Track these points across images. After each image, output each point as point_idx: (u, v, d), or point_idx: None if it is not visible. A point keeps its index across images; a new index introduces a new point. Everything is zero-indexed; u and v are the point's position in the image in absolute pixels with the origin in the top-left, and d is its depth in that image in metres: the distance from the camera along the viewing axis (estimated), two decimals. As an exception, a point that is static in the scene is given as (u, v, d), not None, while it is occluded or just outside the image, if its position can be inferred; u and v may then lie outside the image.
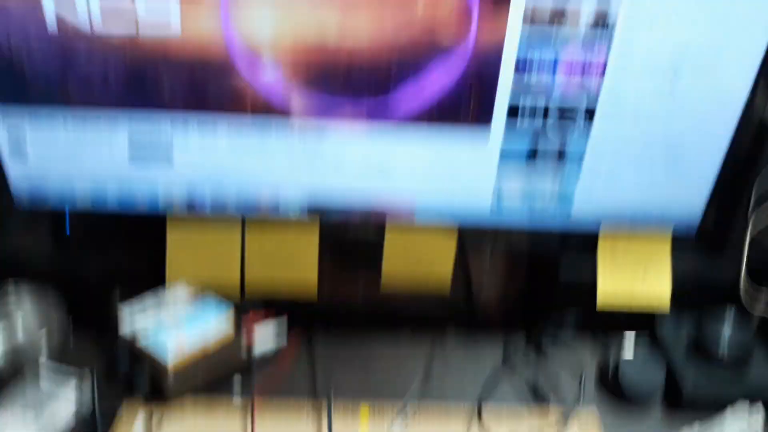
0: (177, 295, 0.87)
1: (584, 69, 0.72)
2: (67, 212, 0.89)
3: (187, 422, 0.77)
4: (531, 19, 0.68)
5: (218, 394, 0.81)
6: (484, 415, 0.80)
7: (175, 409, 0.78)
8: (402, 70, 0.72)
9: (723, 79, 0.72)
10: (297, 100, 0.74)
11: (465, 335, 0.95)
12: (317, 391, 0.83)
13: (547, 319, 0.94)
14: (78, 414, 0.74)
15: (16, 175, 0.79)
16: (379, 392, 0.83)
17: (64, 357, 0.83)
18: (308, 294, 0.91)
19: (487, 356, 0.91)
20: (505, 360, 0.90)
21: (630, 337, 0.89)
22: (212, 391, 0.80)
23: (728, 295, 0.91)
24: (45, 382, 0.74)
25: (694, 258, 0.92)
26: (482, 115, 0.75)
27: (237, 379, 0.83)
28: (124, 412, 0.76)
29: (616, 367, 0.84)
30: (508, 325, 0.96)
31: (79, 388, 0.75)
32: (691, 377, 0.81)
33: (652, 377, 0.83)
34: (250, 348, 0.83)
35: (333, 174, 0.80)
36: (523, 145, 0.77)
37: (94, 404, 0.75)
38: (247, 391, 0.81)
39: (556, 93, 0.73)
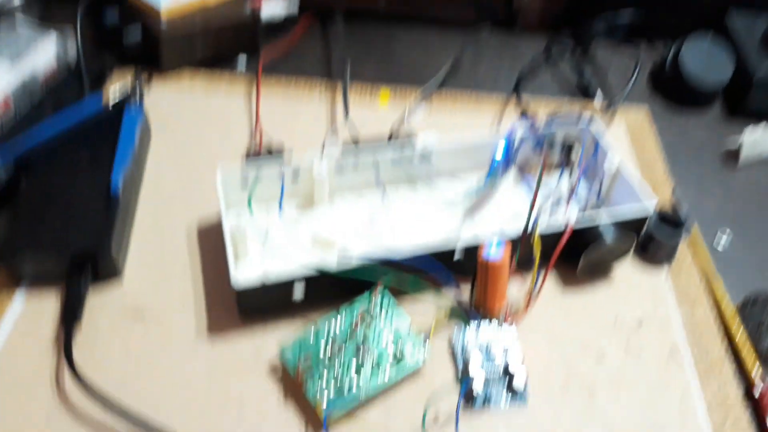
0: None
1: None
2: None
3: (183, 89, 0.68)
4: None
5: (219, 68, 0.72)
6: (521, 100, 0.71)
7: (171, 75, 0.69)
8: None
9: None
10: None
11: (503, 31, 0.83)
12: (332, 73, 0.73)
13: (600, 16, 0.80)
14: (61, 67, 0.66)
15: None
16: (401, 79, 0.73)
17: (44, 15, 0.73)
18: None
19: (527, 51, 0.79)
20: (547, 56, 0.78)
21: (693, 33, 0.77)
22: (213, 65, 0.71)
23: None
24: (23, 35, 0.65)
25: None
26: None
27: (241, 57, 0.74)
28: (114, 75, 0.68)
29: (676, 63, 0.73)
30: (553, 22, 0.84)
31: (62, 42, 0.66)
32: (763, 71, 0.70)
33: (717, 73, 0.72)
34: (256, 14, 0.72)
35: None
36: None
37: (79, 60, 0.66)
38: (252, 64, 0.72)
39: None
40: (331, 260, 0.47)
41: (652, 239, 0.54)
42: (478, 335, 0.48)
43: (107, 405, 0.43)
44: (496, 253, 0.46)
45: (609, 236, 0.50)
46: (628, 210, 0.52)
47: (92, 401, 0.44)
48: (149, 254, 0.54)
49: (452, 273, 0.48)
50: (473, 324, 0.49)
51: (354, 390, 0.44)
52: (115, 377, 0.46)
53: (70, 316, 0.48)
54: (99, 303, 0.50)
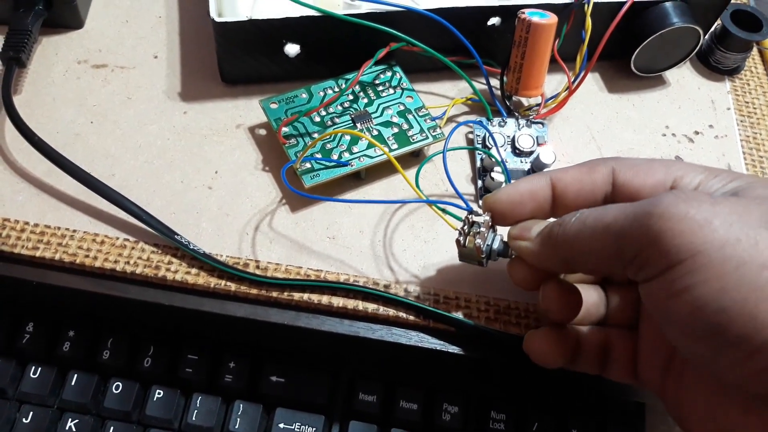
0: None
1: None
2: None
3: None
4: None
5: None
6: None
7: None
8: None
9: None
10: None
11: None
12: None
13: None
14: None
15: None
16: None
17: None
18: None
19: None
20: None
21: None
22: None
23: None
24: None
25: None
26: None
27: None
28: None
29: None
30: None
31: None
32: None
33: None
34: None
35: None
36: None
37: None
38: None
39: None
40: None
41: (720, 41, 0.45)
42: (504, 130, 0.40)
43: (54, 159, 0.35)
44: (542, 16, 0.37)
45: (676, 19, 0.41)
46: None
47: (37, 156, 0.36)
48: (119, 2, 0.45)
49: (480, 57, 0.39)
50: (498, 119, 0.41)
51: (345, 157, 0.37)
52: (66, 132, 0.38)
53: (11, 55, 0.39)
54: (53, 51, 0.42)
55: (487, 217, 0.31)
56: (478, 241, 0.30)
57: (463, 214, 0.32)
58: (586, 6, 0.39)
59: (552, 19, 0.37)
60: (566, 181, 0.29)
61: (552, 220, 0.29)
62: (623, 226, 0.24)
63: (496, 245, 0.31)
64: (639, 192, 0.28)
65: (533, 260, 0.29)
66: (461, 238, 0.31)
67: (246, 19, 0.36)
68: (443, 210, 0.33)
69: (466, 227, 0.31)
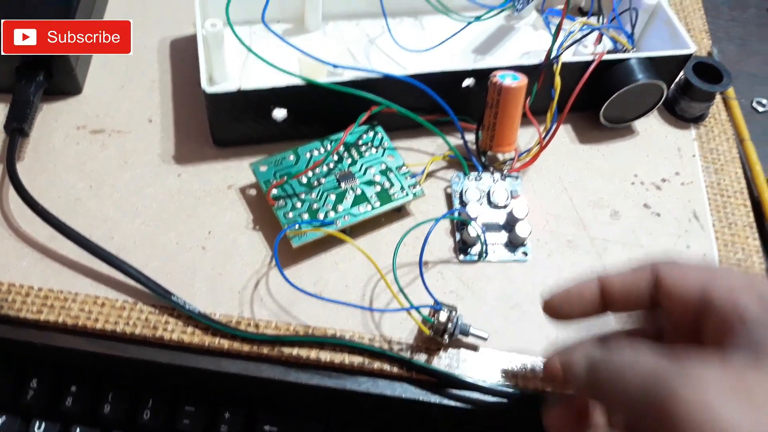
0: None
1: None
2: None
3: None
4: None
5: None
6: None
7: None
8: None
9: None
10: None
11: None
12: None
13: None
14: None
15: None
16: None
17: None
18: None
19: None
20: None
21: None
22: None
23: None
24: None
25: None
26: None
27: None
28: None
29: None
30: None
31: None
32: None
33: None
34: None
35: None
36: None
37: None
38: None
39: None
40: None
41: (684, 91, 0.47)
42: (480, 184, 0.43)
43: (57, 226, 0.38)
44: (513, 79, 0.40)
45: (641, 75, 0.43)
46: (664, 52, 0.45)
47: (40, 222, 0.38)
48: (115, 68, 0.47)
49: (456, 115, 0.42)
50: (475, 173, 0.43)
51: (330, 216, 0.39)
52: (67, 197, 0.41)
53: (15, 126, 0.41)
54: (53, 117, 0.44)
55: (446, 313, 0.36)
56: (445, 337, 0.36)
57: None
58: (555, 66, 0.42)
59: (522, 81, 0.40)
60: (612, 283, 0.31)
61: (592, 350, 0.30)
62: (642, 399, 0.25)
63: (457, 330, 0.36)
64: (677, 296, 0.29)
65: (576, 390, 0.31)
66: (428, 327, 0.36)
67: (235, 90, 0.38)
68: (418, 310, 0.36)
69: (435, 322, 0.36)
